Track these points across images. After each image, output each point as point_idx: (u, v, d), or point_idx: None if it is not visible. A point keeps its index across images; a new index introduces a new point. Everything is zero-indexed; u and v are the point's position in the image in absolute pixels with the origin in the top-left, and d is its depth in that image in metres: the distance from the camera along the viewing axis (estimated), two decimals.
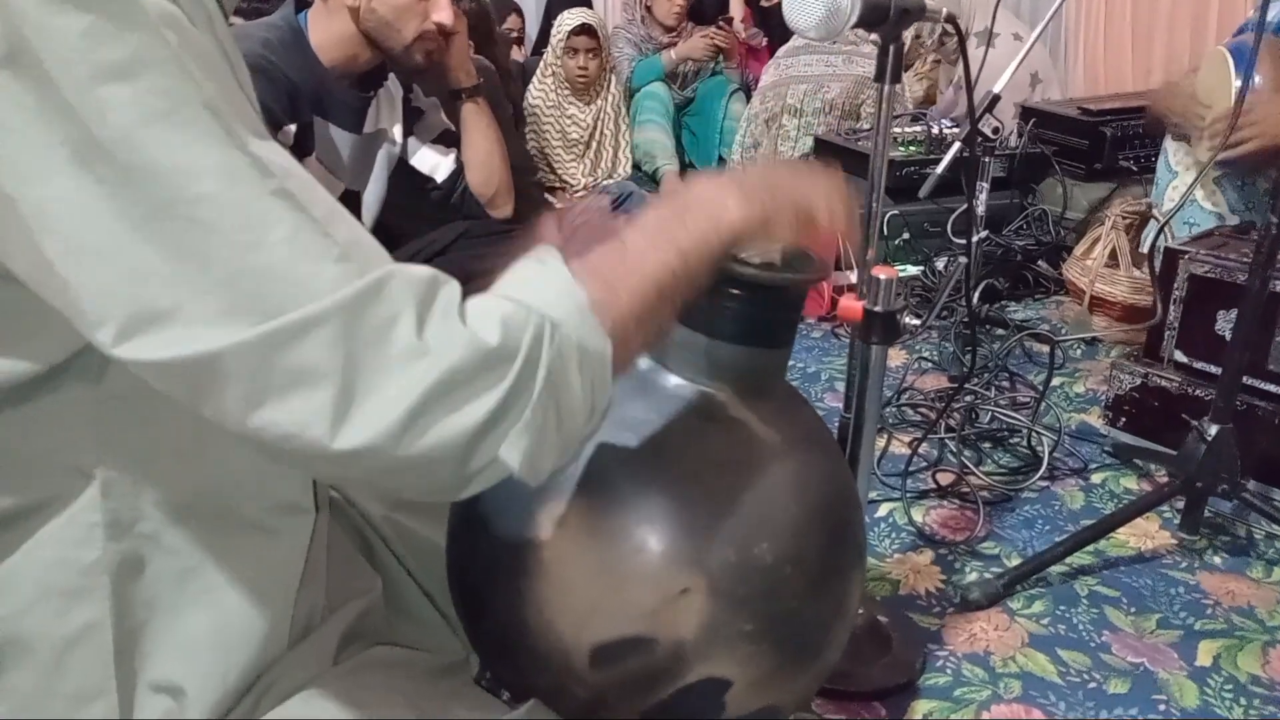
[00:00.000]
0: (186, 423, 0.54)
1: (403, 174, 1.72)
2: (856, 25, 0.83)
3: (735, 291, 0.69)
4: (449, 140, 1.74)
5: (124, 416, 0.53)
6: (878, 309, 0.96)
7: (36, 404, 0.50)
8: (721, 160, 3.22)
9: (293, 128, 1.48)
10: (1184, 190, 1.79)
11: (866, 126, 2.74)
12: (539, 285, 0.51)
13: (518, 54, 3.56)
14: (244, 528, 0.58)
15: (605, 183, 3.05)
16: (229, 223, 0.43)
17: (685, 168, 3.29)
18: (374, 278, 0.45)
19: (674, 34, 3.39)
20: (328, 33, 1.50)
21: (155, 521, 0.55)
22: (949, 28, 0.96)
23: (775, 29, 3.48)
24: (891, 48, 0.90)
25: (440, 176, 1.73)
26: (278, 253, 0.43)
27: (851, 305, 0.98)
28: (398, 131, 1.68)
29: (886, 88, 0.92)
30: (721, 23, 3.42)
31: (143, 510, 0.54)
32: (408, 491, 0.51)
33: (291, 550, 0.61)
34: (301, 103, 1.49)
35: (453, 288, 0.48)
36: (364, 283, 0.44)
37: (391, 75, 1.64)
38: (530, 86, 3.06)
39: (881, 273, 0.96)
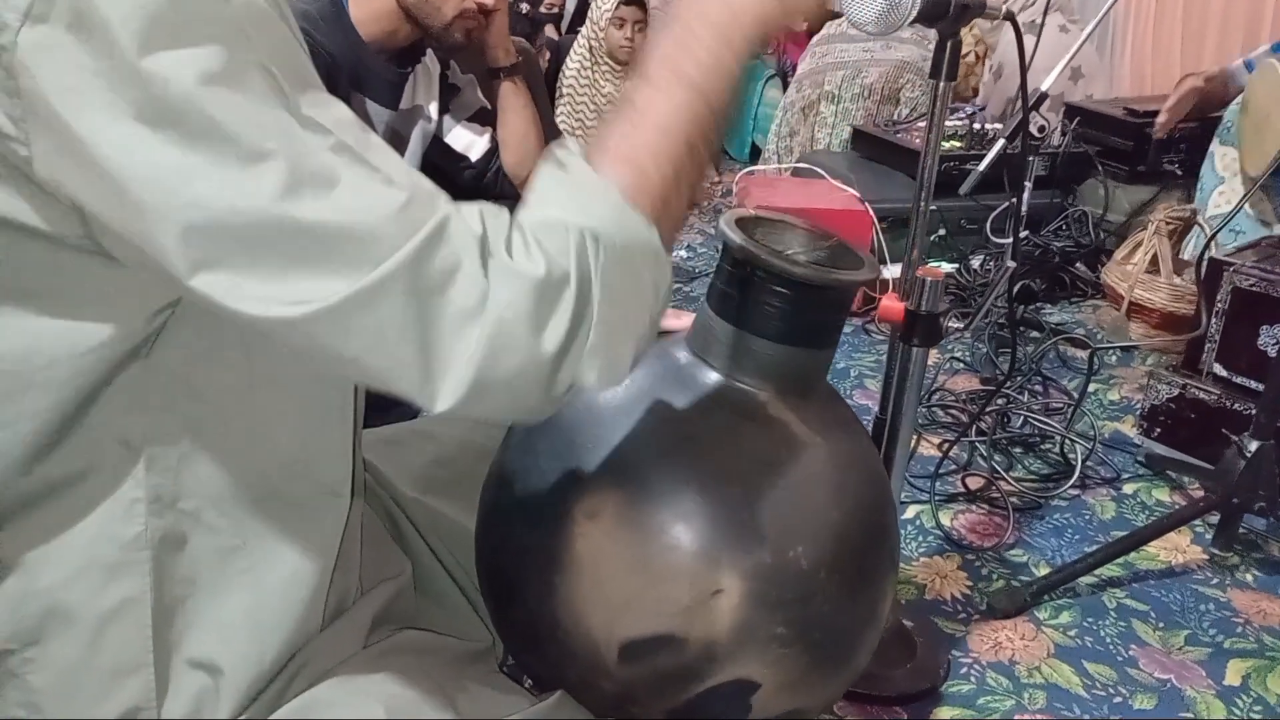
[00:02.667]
0: (234, 402, 0.55)
1: (437, 152, 1.71)
2: (916, 20, 0.80)
3: (781, 290, 0.68)
4: (484, 119, 1.72)
5: (172, 392, 0.53)
6: (921, 310, 0.94)
7: (90, 376, 0.51)
8: (754, 147, 3.18)
9: None
10: (1230, 195, 1.76)
11: (906, 111, 2.70)
12: (570, 195, 0.50)
13: (554, 32, 3.53)
14: (285, 508, 0.58)
15: None
16: (298, 176, 0.44)
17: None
18: (433, 226, 0.45)
19: None
20: (368, 7, 1.48)
21: (198, 499, 0.55)
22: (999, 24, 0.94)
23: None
24: (949, 43, 0.88)
25: (474, 155, 1.72)
26: (344, 206, 0.44)
27: (893, 305, 0.96)
28: (433, 109, 1.67)
29: (942, 84, 0.90)
30: None
31: (185, 487, 0.54)
32: (502, 419, 0.54)
33: (329, 532, 0.61)
34: (339, 77, 1.48)
35: (501, 219, 0.48)
36: (425, 233, 0.45)
37: (429, 51, 1.63)
38: (565, 63, 3.03)
39: (926, 274, 0.94)
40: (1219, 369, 1.49)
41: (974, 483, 1.50)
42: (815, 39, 2.92)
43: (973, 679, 1.12)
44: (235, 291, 0.44)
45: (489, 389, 0.46)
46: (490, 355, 0.46)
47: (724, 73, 0.53)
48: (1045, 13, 1.67)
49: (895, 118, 2.66)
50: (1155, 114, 2.36)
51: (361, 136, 0.47)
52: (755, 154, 3.18)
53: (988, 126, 2.30)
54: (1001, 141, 1.58)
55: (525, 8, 3.37)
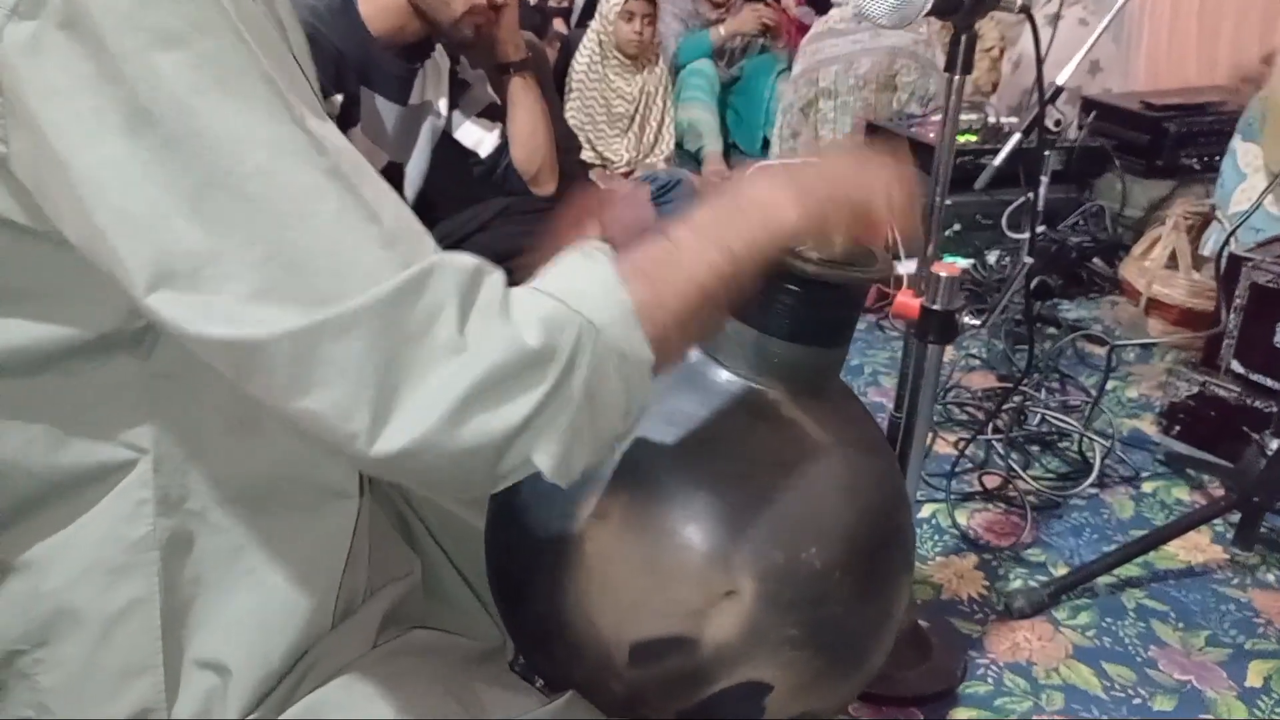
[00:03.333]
0: (237, 403, 0.54)
1: (446, 147, 1.70)
2: (930, 13, 0.79)
3: (794, 288, 0.67)
4: (494, 114, 1.72)
5: (175, 393, 0.53)
6: (936, 307, 0.93)
7: (89, 376, 0.51)
8: (765, 141, 3.16)
9: (339, 98, 1.47)
10: (1252, 192, 1.73)
11: (906, 96, 2.68)
12: (584, 284, 0.49)
13: (562, 26, 3.53)
14: (292, 508, 0.58)
15: (649, 162, 3.02)
16: (277, 199, 0.42)
17: (729, 147, 3.24)
18: (419, 270, 0.44)
19: (722, 9, 3.33)
20: (377, 3, 1.48)
21: (204, 499, 0.55)
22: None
23: (825, 6, 3.41)
24: (964, 37, 0.86)
25: (484, 151, 1.71)
26: (324, 234, 0.43)
27: (908, 302, 0.95)
28: (443, 104, 1.66)
29: (957, 78, 0.88)
30: None
31: (192, 487, 0.54)
32: (438, 488, 0.50)
33: (337, 532, 0.61)
34: (348, 73, 1.48)
35: (496, 280, 0.47)
36: (408, 275, 0.44)
37: (438, 46, 1.62)
38: (574, 58, 3.02)
39: (942, 270, 0.92)
40: (1237, 366, 1.46)
41: (991, 481, 1.48)
42: (805, 38, 2.91)
43: (990, 680, 1.11)
44: (203, 313, 0.42)
45: (437, 445, 0.44)
46: (452, 413, 0.44)
47: (758, 255, 0.55)
48: (1061, 4, 1.64)
49: (896, 105, 2.64)
50: (1173, 108, 2.33)
51: (357, 166, 0.46)
52: (766, 146, 3.16)
53: (1003, 120, 2.27)
54: (1017, 136, 1.56)
55: None
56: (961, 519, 1.40)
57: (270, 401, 0.45)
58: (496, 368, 0.44)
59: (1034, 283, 1.96)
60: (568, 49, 3.13)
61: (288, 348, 0.42)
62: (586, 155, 2.98)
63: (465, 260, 0.46)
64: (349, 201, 0.44)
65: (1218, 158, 2.03)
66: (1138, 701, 1.09)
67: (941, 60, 2.93)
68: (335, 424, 0.44)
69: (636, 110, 3.02)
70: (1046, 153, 1.95)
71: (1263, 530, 1.32)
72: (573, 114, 3.00)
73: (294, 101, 0.44)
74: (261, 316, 0.42)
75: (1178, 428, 1.53)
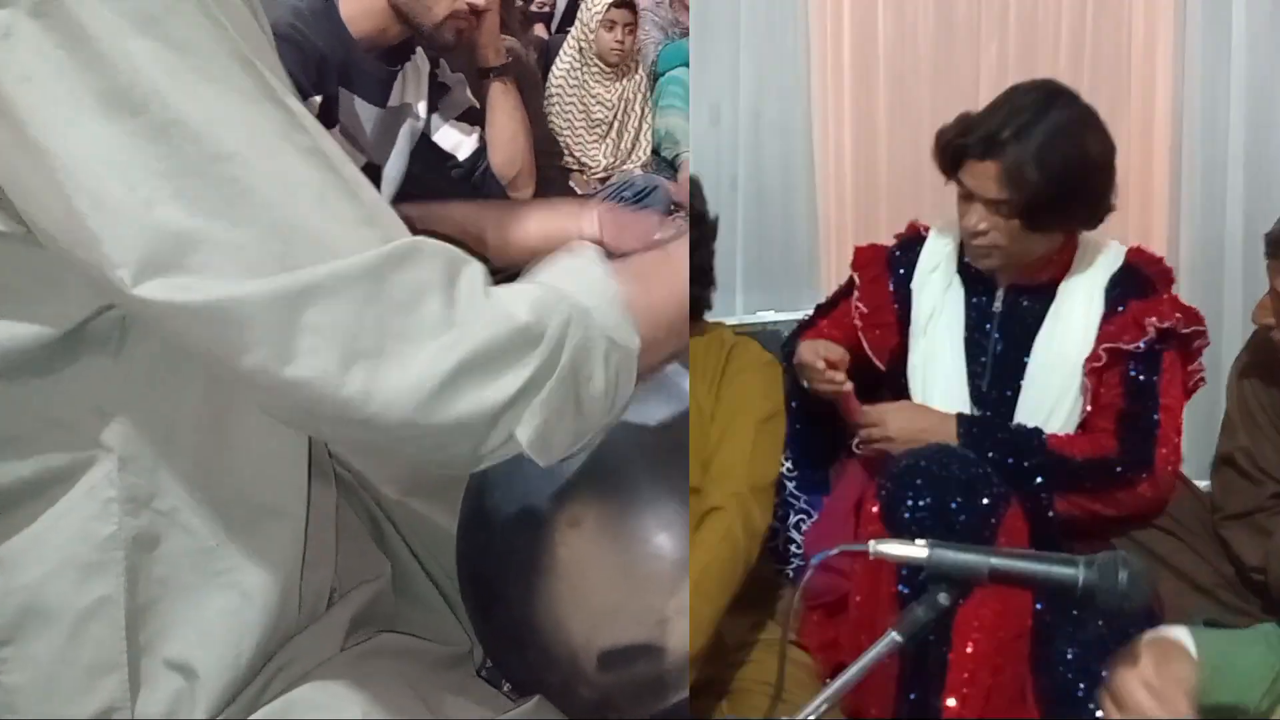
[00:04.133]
0: (206, 403, 0.55)
1: (424, 150, 1.70)
2: None
3: None
4: (473, 118, 1.72)
5: (144, 392, 0.53)
6: None
7: (57, 374, 0.51)
8: None
9: (318, 99, 1.47)
10: None
11: None
12: (573, 274, 0.51)
13: (543, 32, 3.53)
14: (255, 510, 0.58)
15: (626, 168, 3.03)
16: (258, 178, 0.43)
17: None
18: (403, 243, 0.45)
19: None
20: (358, 4, 1.48)
21: (173, 499, 0.55)
22: None
23: None
24: None
25: (462, 155, 1.71)
26: (306, 210, 0.43)
27: None
28: (422, 107, 1.66)
29: None
30: None
31: (160, 486, 0.54)
32: (423, 463, 0.52)
33: (297, 532, 0.61)
34: (328, 74, 1.47)
35: (477, 265, 0.48)
36: (392, 247, 0.44)
37: (419, 49, 1.62)
38: (554, 64, 3.02)
39: None
40: None
41: None
42: None
43: None
44: (187, 291, 0.42)
45: (430, 417, 0.45)
46: (444, 386, 0.44)
47: None
48: None
49: None
50: None
51: (334, 149, 0.46)
52: None
53: None
54: None
55: (519, 1, 3.36)
56: None
57: (263, 379, 0.44)
58: (488, 342, 0.45)
59: None
60: (547, 54, 3.13)
61: (271, 312, 0.42)
62: (564, 160, 2.99)
63: (444, 245, 0.47)
64: (329, 179, 0.44)
65: None
66: None
67: None
68: (327, 392, 0.43)
69: (615, 117, 3.04)
70: None
71: None
72: (551, 119, 3.00)
73: (271, 80, 0.44)
74: (239, 284, 0.42)
75: None
